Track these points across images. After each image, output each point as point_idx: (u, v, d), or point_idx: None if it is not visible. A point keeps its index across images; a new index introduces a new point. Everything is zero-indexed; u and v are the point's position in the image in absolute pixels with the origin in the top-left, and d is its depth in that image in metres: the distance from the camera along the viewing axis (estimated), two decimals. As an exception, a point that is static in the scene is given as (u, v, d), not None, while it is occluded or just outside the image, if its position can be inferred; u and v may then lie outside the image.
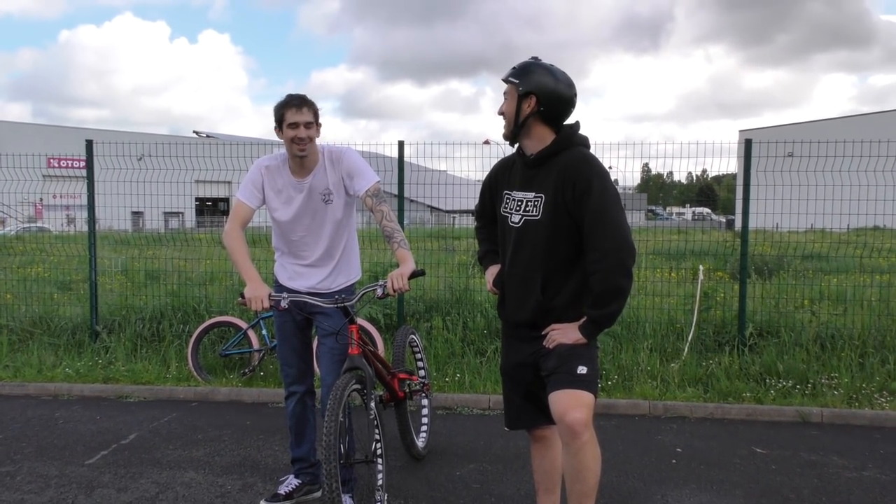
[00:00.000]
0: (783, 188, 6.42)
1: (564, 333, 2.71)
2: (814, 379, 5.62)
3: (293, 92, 3.51)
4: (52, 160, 6.90)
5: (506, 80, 2.75)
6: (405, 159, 6.87)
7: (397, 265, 3.31)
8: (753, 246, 8.36)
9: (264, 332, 6.11)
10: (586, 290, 2.71)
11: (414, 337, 4.58)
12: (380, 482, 3.35)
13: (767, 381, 5.69)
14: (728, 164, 7.75)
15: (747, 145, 6.26)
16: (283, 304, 3.31)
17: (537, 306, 2.76)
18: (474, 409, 5.49)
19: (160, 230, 10.64)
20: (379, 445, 3.35)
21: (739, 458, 4.45)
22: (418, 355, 4.65)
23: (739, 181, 6.39)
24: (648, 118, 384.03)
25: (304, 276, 3.59)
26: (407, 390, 4.23)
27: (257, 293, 3.23)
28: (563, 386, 2.63)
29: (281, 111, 3.35)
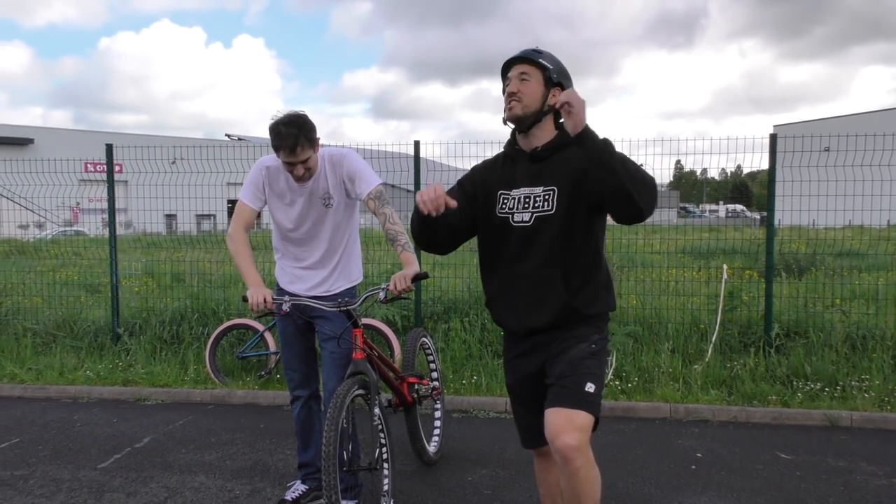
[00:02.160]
0: (819, 184, 6.19)
1: (581, 107, 2.35)
2: (843, 381, 5.42)
3: (282, 120, 3.21)
4: (88, 164, 7.02)
5: (528, 61, 2.54)
6: (434, 159, 6.87)
7: (402, 268, 3.25)
8: (787, 244, 8.14)
9: (281, 334, 6.09)
10: (610, 283, 2.60)
11: (426, 340, 4.50)
12: (385, 488, 3.32)
13: (794, 383, 5.50)
14: (762, 160, 7.53)
15: (772, 140, 6.06)
16: (285, 307, 3.28)
17: (562, 306, 2.53)
18: (490, 412, 5.40)
19: (192, 232, 10.75)
20: (384, 451, 3.30)
21: (762, 463, 4.29)
22: (430, 358, 4.56)
23: (775, 177, 6.19)
24: (681, 115, 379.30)
25: (304, 278, 3.55)
26: (416, 395, 4.13)
27: (258, 296, 3.19)
28: (565, 403, 2.41)
29: (274, 144, 3.22)
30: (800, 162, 6.14)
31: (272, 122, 3.23)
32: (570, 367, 2.48)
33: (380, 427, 3.26)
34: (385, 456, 3.31)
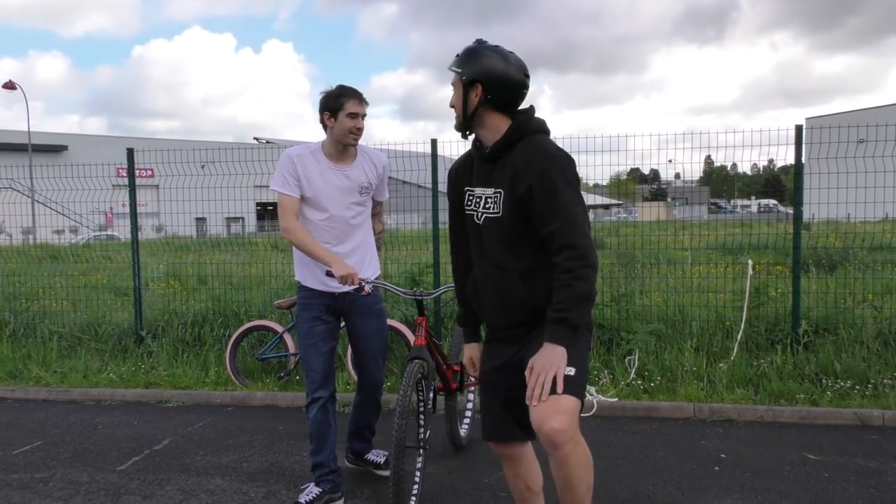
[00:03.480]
0: (853, 176, 6.01)
1: (553, 363, 2.30)
2: (875, 379, 5.24)
3: (345, 85, 3.62)
4: (120, 169, 7.13)
5: (450, 69, 2.54)
6: (455, 158, 6.87)
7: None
8: (819, 238, 7.93)
9: (300, 335, 6.08)
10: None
11: None
12: (419, 466, 3.55)
13: (823, 381, 5.34)
14: (793, 154, 7.32)
15: (798, 132, 5.88)
16: (368, 287, 3.57)
17: (522, 305, 2.52)
18: (510, 412, 5.32)
19: (222, 235, 10.87)
20: (428, 434, 3.58)
21: (789, 464, 4.16)
22: None
23: (808, 170, 6.02)
24: (710, 110, 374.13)
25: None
26: (458, 383, 4.35)
27: (350, 270, 3.40)
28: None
29: (339, 100, 3.52)
30: (836, 154, 5.95)
31: (325, 91, 3.59)
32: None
33: (430, 411, 3.57)
34: (426, 436, 3.54)
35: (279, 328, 6.16)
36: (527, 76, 2.51)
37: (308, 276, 3.69)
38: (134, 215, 7.12)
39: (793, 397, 5.16)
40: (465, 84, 2.48)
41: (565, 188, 2.35)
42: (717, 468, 4.13)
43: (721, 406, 5.09)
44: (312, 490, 3.69)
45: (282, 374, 6.04)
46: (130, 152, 7.01)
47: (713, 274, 7.17)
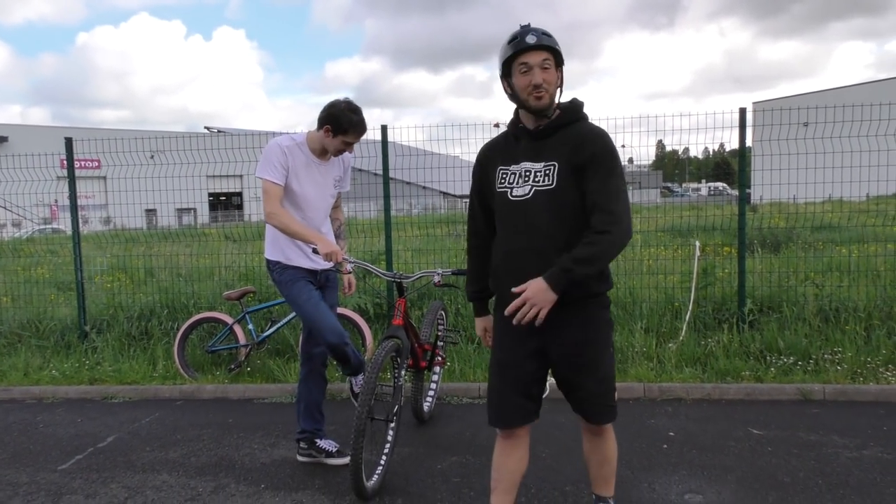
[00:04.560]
0: (798, 157, 6.15)
1: (542, 297, 2.42)
2: (816, 354, 5.40)
3: (356, 107, 3.79)
4: (64, 160, 6.87)
5: (546, 47, 2.51)
6: (415, 144, 6.95)
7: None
8: (765, 219, 8.12)
9: (251, 326, 5.98)
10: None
11: (442, 312, 4.99)
12: (389, 439, 3.80)
13: (768, 358, 5.47)
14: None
15: (742, 115, 5.99)
16: (349, 267, 3.94)
17: None
18: (464, 398, 5.33)
19: (173, 227, 10.59)
20: (399, 408, 3.81)
21: (734, 440, 4.25)
22: (441, 330, 4.99)
23: (755, 152, 6.14)
24: (663, 95, 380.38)
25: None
26: (428, 361, 4.56)
27: (334, 247, 3.57)
28: (606, 421, 2.74)
29: (345, 127, 3.71)
30: (778, 135, 6.09)
31: (337, 107, 3.71)
32: (603, 385, 2.66)
33: (401, 388, 3.80)
34: (396, 411, 3.77)
35: (229, 319, 6.04)
36: None
37: (296, 255, 3.88)
38: (74, 207, 6.89)
39: (738, 375, 5.28)
40: (560, 64, 2.57)
41: (619, 168, 2.53)
42: (665, 446, 4.20)
43: (670, 385, 5.19)
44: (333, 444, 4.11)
45: (232, 367, 5.93)
46: (69, 142, 6.77)
47: (663, 256, 7.27)
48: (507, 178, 2.63)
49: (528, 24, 2.58)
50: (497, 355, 2.72)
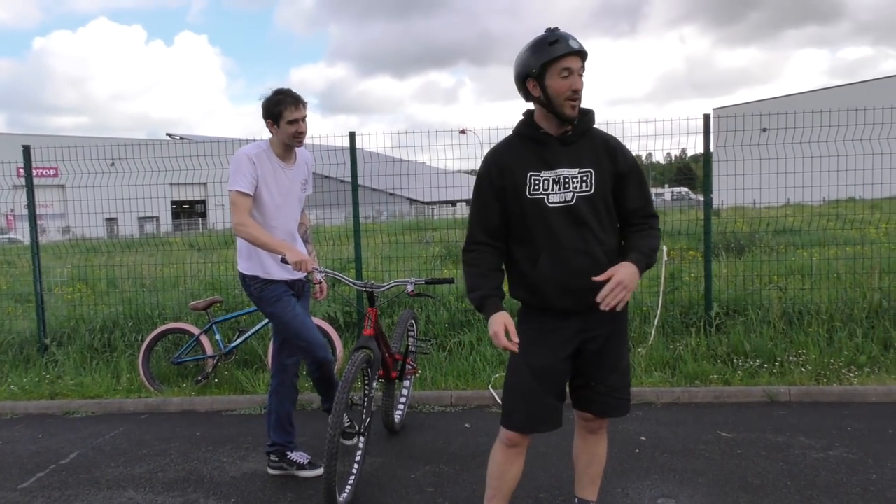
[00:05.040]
0: (757, 163, 6.29)
1: (632, 280, 2.48)
2: (781, 357, 5.49)
3: (280, 88, 3.75)
4: (20, 168, 6.67)
5: (583, 54, 2.52)
6: (382, 151, 6.89)
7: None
8: (725, 223, 8.24)
9: (217, 337, 5.88)
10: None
11: (413, 321, 4.94)
12: (361, 448, 3.77)
13: (735, 361, 5.55)
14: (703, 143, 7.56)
15: (706, 121, 6.09)
16: (319, 276, 3.92)
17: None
18: (436, 406, 5.30)
19: (135, 235, 10.38)
20: (370, 421, 3.78)
21: (704, 443, 4.30)
22: (412, 339, 4.91)
23: (716, 157, 6.25)
24: (625, 101, 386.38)
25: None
26: (399, 371, 4.49)
27: (303, 256, 3.53)
28: (618, 413, 2.83)
29: (277, 108, 3.65)
30: (741, 141, 6.20)
31: (266, 96, 3.71)
32: (624, 378, 2.79)
33: (371, 399, 3.75)
34: (368, 423, 3.75)
35: (195, 330, 5.93)
36: None
37: (275, 268, 3.81)
38: (33, 217, 6.70)
39: (707, 378, 5.35)
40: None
41: (644, 176, 2.70)
42: (637, 451, 4.22)
43: (641, 390, 5.23)
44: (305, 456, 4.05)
45: (199, 378, 5.81)
46: (27, 150, 6.59)
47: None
48: (542, 185, 2.58)
49: (557, 28, 2.54)
50: (531, 361, 2.65)
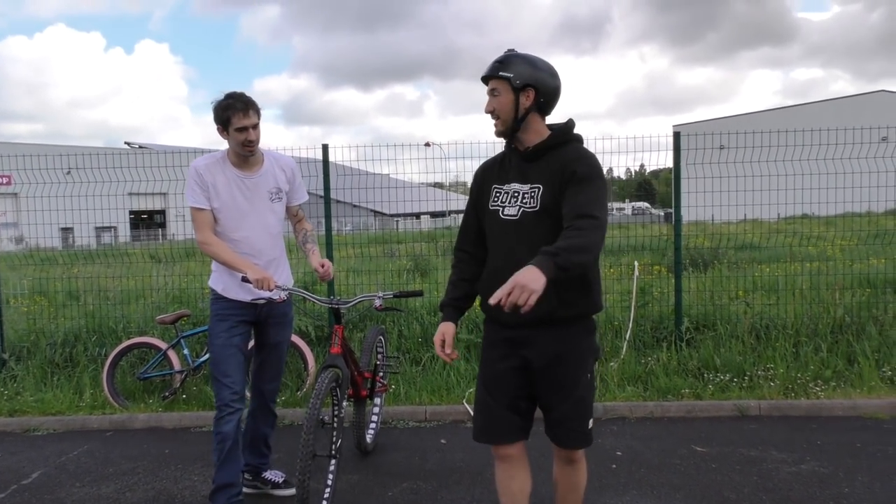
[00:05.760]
0: (715, 180, 6.45)
1: (529, 278, 2.27)
2: (750, 371, 5.59)
3: (232, 91, 3.49)
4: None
5: (492, 76, 2.61)
6: (347, 163, 6.81)
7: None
8: (689, 239, 8.38)
9: (185, 351, 5.74)
10: (596, 285, 2.64)
11: (381, 338, 4.86)
12: (332, 471, 3.56)
13: (705, 375, 5.63)
14: (664, 159, 7.73)
15: (676, 138, 6.21)
16: (283, 295, 3.63)
17: (545, 302, 2.42)
18: (410, 421, 5.26)
19: (91, 246, 10.09)
20: (341, 442, 3.61)
21: (679, 458, 4.34)
22: (380, 357, 4.83)
23: (679, 174, 6.36)
24: (587, 117, 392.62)
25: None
26: (369, 390, 4.40)
27: (264, 274, 3.37)
28: (572, 445, 2.72)
29: (226, 114, 3.40)
30: (701, 159, 6.34)
31: (216, 101, 3.45)
32: (577, 409, 2.64)
33: (342, 420, 3.61)
34: (339, 445, 3.58)
35: (163, 345, 5.79)
36: (561, 83, 2.66)
37: (234, 287, 3.59)
38: (-9, 227, 6.48)
39: (678, 392, 5.41)
40: (517, 88, 2.57)
41: (602, 187, 2.54)
42: (614, 466, 4.24)
43: (614, 404, 5.26)
44: None
45: (166, 394, 5.66)
46: (-15, 157, 6.38)
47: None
48: (500, 197, 2.68)
49: (508, 51, 2.65)
50: (482, 370, 2.76)
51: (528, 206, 2.59)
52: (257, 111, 3.45)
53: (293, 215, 3.88)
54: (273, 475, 3.96)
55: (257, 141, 3.48)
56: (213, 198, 3.51)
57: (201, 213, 3.49)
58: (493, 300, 2.29)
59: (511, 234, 2.62)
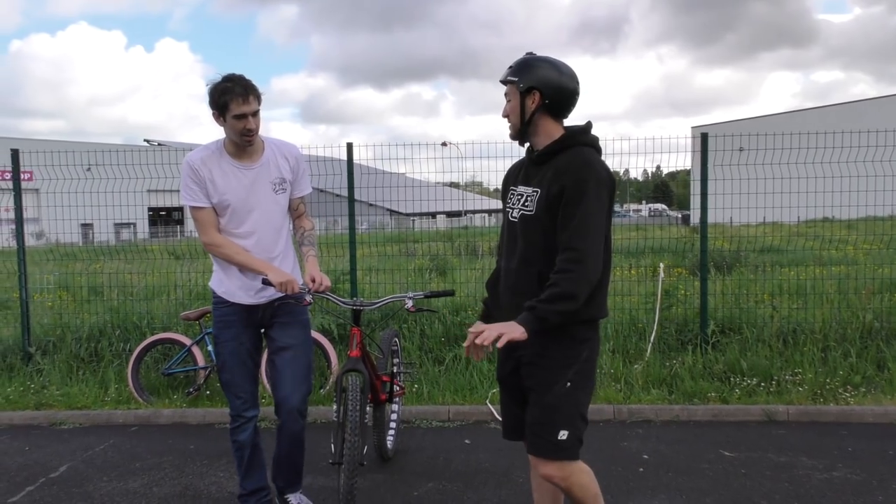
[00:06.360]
0: (736, 182, 6.37)
1: (505, 328, 2.37)
2: (778, 376, 5.52)
3: (230, 74, 3.17)
4: (4, 172, 6.54)
5: (504, 82, 2.65)
6: (364, 163, 6.77)
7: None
8: (711, 241, 8.31)
9: (210, 348, 5.76)
10: (598, 285, 2.59)
11: (397, 340, 4.70)
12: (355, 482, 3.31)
13: (732, 379, 5.56)
14: (682, 160, 7.66)
15: (703, 139, 6.14)
16: (309, 298, 3.32)
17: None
18: (433, 421, 5.24)
19: (111, 242, 10.17)
20: (365, 448, 3.46)
21: (707, 462, 4.29)
22: (396, 359, 4.67)
23: (696, 176, 6.30)
24: (604, 118, 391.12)
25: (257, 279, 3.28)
26: (388, 393, 4.31)
27: (288, 276, 3.20)
28: (539, 453, 2.58)
29: (224, 98, 3.08)
30: (721, 161, 6.26)
31: (212, 83, 3.14)
32: (545, 415, 2.55)
33: (368, 423, 3.62)
34: (364, 451, 3.44)
35: (187, 341, 5.81)
36: (578, 84, 2.62)
37: (234, 290, 3.36)
38: (20, 221, 6.55)
39: (704, 396, 5.36)
40: (522, 92, 2.57)
41: (593, 201, 2.46)
42: (641, 469, 4.20)
43: (639, 407, 5.22)
44: None
45: (191, 390, 5.69)
46: (15, 153, 6.44)
47: (622, 277, 7.35)
48: (512, 199, 2.73)
49: (527, 54, 2.66)
50: (497, 371, 2.89)
51: (527, 209, 2.62)
52: (258, 97, 3.14)
53: (294, 209, 3.49)
54: (297, 500, 3.62)
55: (257, 129, 3.19)
56: (212, 193, 3.23)
57: (202, 211, 3.23)
58: (465, 343, 2.51)
59: (512, 236, 2.69)
